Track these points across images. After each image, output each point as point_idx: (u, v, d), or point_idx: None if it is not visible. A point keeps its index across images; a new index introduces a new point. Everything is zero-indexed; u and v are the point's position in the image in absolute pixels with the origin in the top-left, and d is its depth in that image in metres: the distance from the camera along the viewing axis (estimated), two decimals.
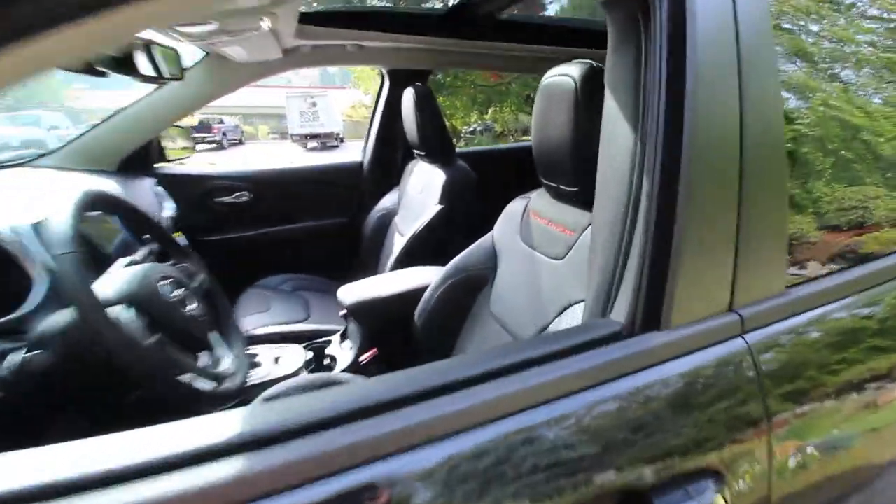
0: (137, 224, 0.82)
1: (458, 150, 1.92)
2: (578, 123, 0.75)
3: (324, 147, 16.22)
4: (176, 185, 1.64)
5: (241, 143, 18.75)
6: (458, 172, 1.44)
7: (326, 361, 1.28)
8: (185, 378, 0.65)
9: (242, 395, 0.74)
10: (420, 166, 1.58)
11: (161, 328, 0.62)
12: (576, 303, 0.77)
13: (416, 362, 1.09)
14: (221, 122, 17.79)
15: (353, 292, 1.18)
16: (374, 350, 1.17)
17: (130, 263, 0.82)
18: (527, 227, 0.96)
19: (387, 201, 1.75)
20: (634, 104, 0.52)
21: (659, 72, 0.48)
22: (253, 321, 1.41)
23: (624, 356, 0.43)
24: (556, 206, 0.89)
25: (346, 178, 1.88)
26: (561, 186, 0.85)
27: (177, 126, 1.88)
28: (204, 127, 17.04)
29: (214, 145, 16.79)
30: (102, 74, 0.88)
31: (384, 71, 1.73)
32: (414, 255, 1.38)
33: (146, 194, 1.49)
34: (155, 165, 1.67)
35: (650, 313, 0.45)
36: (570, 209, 0.85)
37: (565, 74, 0.78)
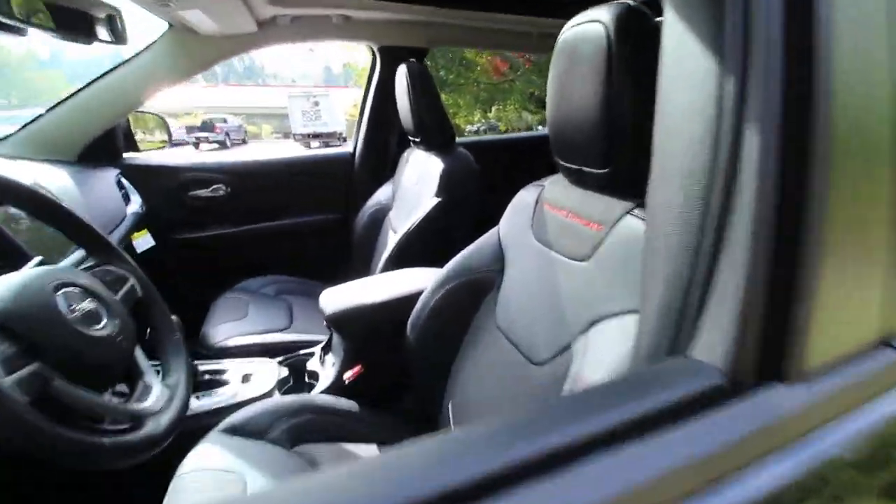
0: (40, 213, 0.65)
1: (459, 139, 1.74)
2: (612, 83, 0.58)
3: (327, 146, 16.07)
4: (145, 178, 1.48)
5: (244, 142, 18.68)
6: (458, 161, 1.26)
7: (307, 378, 1.11)
8: (90, 421, 0.49)
9: (171, 435, 0.57)
10: (416, 155, 1.40)
11: (43, 356, 0.46)
12: (607, 317, 0.60)
13: (408, 383, 0.91)
14: (225, 121, 17.73)
15: (335, 299, 1.00)
16: (360, 367, 1.00)
17: (41, 264, 0.65)
18: (540, 220, 0.78)
19: (380, 195, 1.57)
20: (715, 35, 0.34)
21: None
22: (226, 330, 1.24)
23: (748, 434, 0.25)
24: (577, 193, 0.72)
25: (335, 170, 1.70)
26: (585, 169, 0.67)
27: (154, 115, 1.72)
28: (207, 126, 17.01)
29: (217, 145, 16.72)
30: (16, 31, 0.71)
31: (375, 49, 1.55)
32: (407, 254, 1.21)
33: (107, 187, 1.32)
34: (124, 156, 1.50)
35: (769, 354, 0.27)
36: (596, 197, 0.68)
37: (593, 21, 0.60)
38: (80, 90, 1.30)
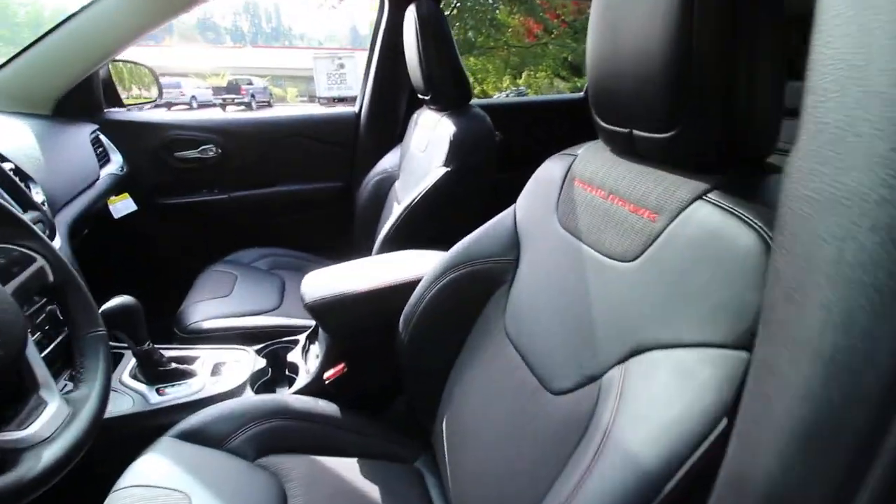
0: None
1: (477, 101, 1.53)
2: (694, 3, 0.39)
3: None
4: (127, 135, 1.34)
5: (269, 105, 18.54)
6: (472, 123, 1.06)
7: (288, 371, 0.97)
8: None
9: (58, 474, 0.44)
10: (425, 116, 1.21)
11: None
12: (656, 348, 0.42)
13: (399, 387, 0.76)
14: (250, 83, 17.64)
15: (317, 284, 0.85)
16: (342, 366, 0.85)
17: None
18: (569, 202, 0.60)
19: (386, 161, 1.39)
20: None
21: None
22: (206, 310, 1.11)
23: None
24: (623, 168, 0.53)
25: (338, 132, 1.53)
26: (638, 133, 0.48)
27: (145, 67, 1.57)
28: (233, 88, 16.97)
29: (243, 107, 16.64)
30: None
31: None
32: (409, 232, 1.04)
33: (81, 144, 1.18)
34: (105, 111, 1.36)
35: None
36: (652, 174, 0.49)
37: None
38: (47, 33, 1.15)
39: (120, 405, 0.81)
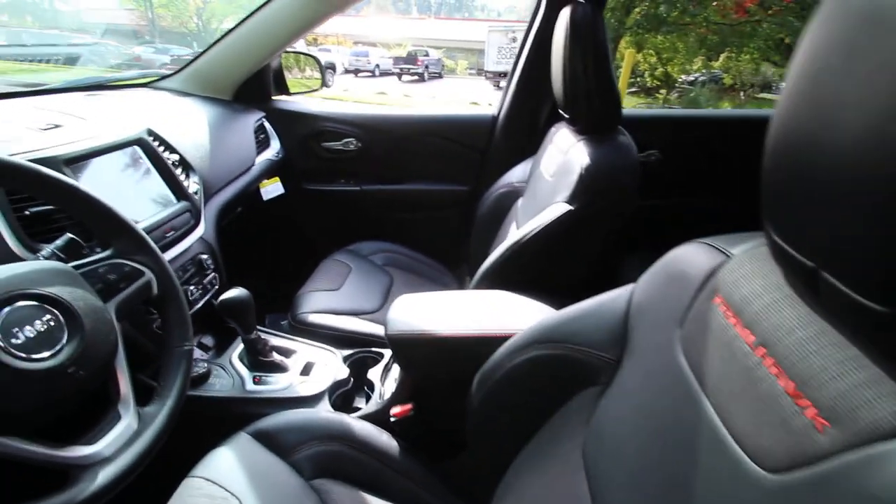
0: (52, 197, 0.56)
1: (629, 111, 1.29)
2: None
3: None
4: (286, 123, 1.47)
5: (440, 76, 19.30)
6: (612, 156, 0.88)
7: (365, 387, 0.97)
8: None
9: (109, 494, 0.47)
10: (562, 135, 1.06)
11: None
12: None
13: (463, 443, 0.69)
14: (427, 54, 18.49)
15: (403, 314, 0.81)
16: (410, 407, 0.81)
17: (69, 242, 0.60)
18: (699, 323, 0.43)
19: (514, 175, 1.28)
20: None
21: None
22: (315, 302, 1.18)
23: None
24: (794, 313, 0.35)
25: (472, 135, 1.45)
26: (828, 277, 0.30)
27: (311, 56, 1.70)
28: (411, 59, 18.02)
29: (416, 77, 17.65)
30: None
31: None
32: (513, 271, 0.93)
33: (247, 130, 1.33)
34: (274, 98, 1.51)
35: None
36: (841, 349, 0.31)
37: None
38: (235, 27, 1.29)
39: (224, 385, 0.91)
